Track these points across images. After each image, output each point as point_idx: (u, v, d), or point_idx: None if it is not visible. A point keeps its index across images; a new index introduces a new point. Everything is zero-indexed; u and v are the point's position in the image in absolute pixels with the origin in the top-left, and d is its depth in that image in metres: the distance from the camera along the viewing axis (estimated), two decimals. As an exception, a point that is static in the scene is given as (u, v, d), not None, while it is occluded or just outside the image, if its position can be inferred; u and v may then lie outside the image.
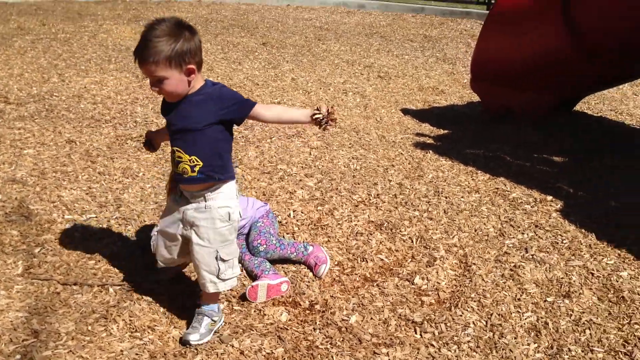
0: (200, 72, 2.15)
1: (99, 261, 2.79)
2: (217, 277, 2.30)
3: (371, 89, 6.31)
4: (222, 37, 8.85)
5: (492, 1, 12.21)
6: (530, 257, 3.04)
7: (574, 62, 4.46)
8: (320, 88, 6.22)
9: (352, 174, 4.03)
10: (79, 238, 2.97)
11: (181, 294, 2.62)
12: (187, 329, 2.35)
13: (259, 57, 7.57)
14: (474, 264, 2.97)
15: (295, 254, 2.86)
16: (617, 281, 2.85)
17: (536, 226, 3.36)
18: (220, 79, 6.34)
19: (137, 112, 5.02)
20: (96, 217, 3.19)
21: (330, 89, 6.20)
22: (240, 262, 2.78)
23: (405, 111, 5.62)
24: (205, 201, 2.24)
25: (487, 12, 11.92)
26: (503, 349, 2.38)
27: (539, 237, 3.25)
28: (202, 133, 2.16)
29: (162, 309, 2.50)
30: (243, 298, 2.60)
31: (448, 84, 6.72)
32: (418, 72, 7.19)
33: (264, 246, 2.84)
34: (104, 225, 3.11)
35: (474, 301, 2.67)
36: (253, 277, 2.74)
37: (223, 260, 2.29)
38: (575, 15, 4.33)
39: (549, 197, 3.73)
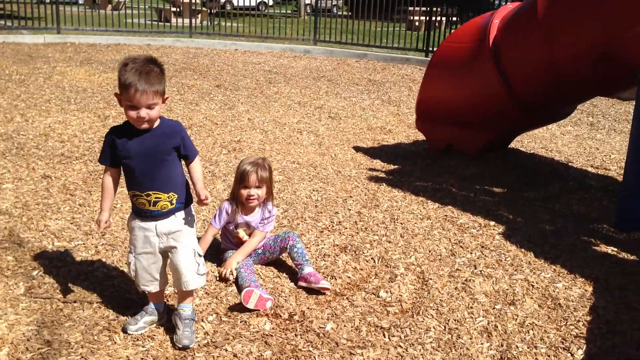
0: None
1: (93, 282, 3.03)
2: (197, 273, 2.62)
3: (324, 129, 6.74)
4: (177, 80, 9.17)
5: (430, 49, 13.05)
6: (479, 272, 3.45)
7: (507, 106, 5.01)
8: (276, 127, 6.61)
9: (315, 204, 4.39)
10: (71, 262, 3.20)
11: (172, 310, 2.87)
12: (177, 334, 2.60)
13: (214, 99, 7.92)
14: (431, 279, 3.35)
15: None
16: (554, 291, 3.29)
17: (482, 247, 3.80)
18: (180, 119, 6.63)
19: (106, 150, 5.25)
20: (84, 244, 3.42)
21: (286, 129, 6.59)
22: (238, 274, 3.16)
23: (357, 149, 6.06)
24: (175, 214, 2.56)
25: (425, 58, 12.76)
26: (461, 348, 2.75)
27: (485, 255, 3.68)
28: (171, 166, 2.50)
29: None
30: (230, 310, 2.89)
31: (394, 124, 7.23)
32: (366, 113, 7.69)
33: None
34: (92, 251, 3.35)
35: (433, 310, 3.04)
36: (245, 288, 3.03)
37: (199, 255, 2.65)
38: (503, 65, 4.91)
39: (492, 222, 4.20)
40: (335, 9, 28.27)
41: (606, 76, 4.42)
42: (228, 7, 23.11)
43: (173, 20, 17.85)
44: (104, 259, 3.26)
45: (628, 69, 4.15)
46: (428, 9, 13.62)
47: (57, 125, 5.94)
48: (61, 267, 3.13)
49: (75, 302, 2.82)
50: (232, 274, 3.16)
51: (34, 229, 3.54)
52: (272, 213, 3.37)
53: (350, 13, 16.01)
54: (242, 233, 3.33)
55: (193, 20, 15.38)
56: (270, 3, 32.64)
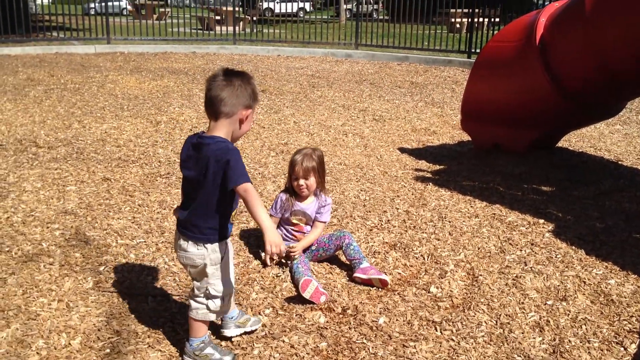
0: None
1: (155, 277, 3.18)
2: None
3: (368, 131, 6.82)
4: (223, 86, 9.37)
5: (473, 50, 12.99)
6: (530, 269, 3.48)
7: (555, 103, 5.00)
8: (322, 130, 6.72)
9: (363, 204, 4.48)
10: (134, 259, 3.36)
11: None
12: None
13: (260, 103, 8.08)
14: (481, 275, 3.40)
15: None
16: (606, 288, 3.29)
17: (532, 244, 3.82)
18: (229, 123, 6.80)
19: (160, 153, 5.45)
20: (145, 241, 3.59)
21: (331, 131, 6.70)
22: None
23: (402, 150, 6.12)
24: None
25: (468, 59, 12.71)
26: (513, 342, 2.79)
27: (535, 253, 3.70)
28: None
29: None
30: (286, 303, 3.00)
31: (439, 125, 7.26)
32: (410, 115, 7.74)
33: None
34: (154, 249, 3.51)
35: (484, 305, 3.09)
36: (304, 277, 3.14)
37: None
38: (551, 62, 4.91)
39: (541, 220, 4.21)
40: (375, 13, 28.39)
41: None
42: (268, 14, 23.43)
43: (217, 28, 18.21)
44: (164, 256, 3.41)
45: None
46: (470, 10, 13.56)
47: (113, 131, 6.18)
48: (125, 263, 3.29)
49: (140, 295, 2.97)
50: (283, 253, 2.43)
51: (99, 227, 3.73)
52: (327, 202, 3.52)
53: (389, 17, 16.03)
54: (296, 220, 3.49)
55: (236, 28, 15.67)
56: (310, 9, 32.92)
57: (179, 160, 2.56)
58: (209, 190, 2.27)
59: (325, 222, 3.55)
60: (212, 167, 2.23)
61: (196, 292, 2.42)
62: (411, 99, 8.98)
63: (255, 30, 17.13)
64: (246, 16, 20.20)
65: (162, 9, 22.22)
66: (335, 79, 10.70)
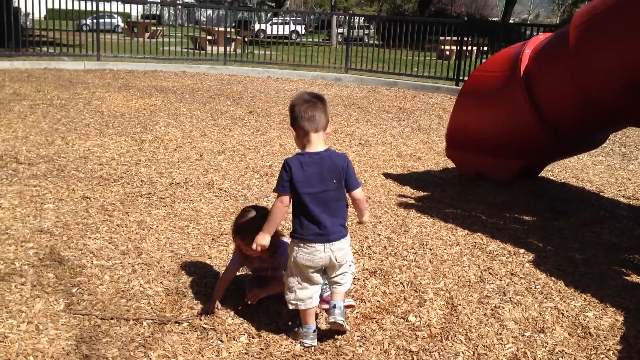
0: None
1: (130, 299, 3.12)
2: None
3: (354, 155, 6.82)
4: (211, 105, 9.38)
5: (461, 78, 13.11)
6: (509, 299, 3.46)
7: (538, 135, 5.03)
8: (308, 153, 6.70)
9: (345, 229, 4.45)
10: (109, 280, 3.31)
11: (201, 328, 2.95)
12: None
13: (247, 124, 8.08)
14: (460, 304, 3.37)
15: None
16: (584, 320, 3.28)
17: (512, 274, 3.81)
18: (214, 143, 6.79)
19: (142, 172, 5.41)
20: (121, 262, 3.54)
21: (317, 155, 6.68)
22: None
23: (387, 175, 6.11)
24: None
25: (456, 87, 12.81)
26: (489, 374, 2.76)
27: (515, 283, 3.68)
28: None
29: (190, 339, 2.84)
30: (262, 329, 2.95)
31: (424, 151, 7.28)
32: (396, 141, 7.76)
33: None
34: (129, 270, 3.45)
35: (462, 335, 3.06)
36: None
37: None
38: (535, 94, 4.94)
39: (522, 250, 4.20)
40: (366, 37, 28.61)
41: (638, 105, 4.42)
42: (261, 35, 23.54)
43: (208, 48, 18.26)
44: (140, 278, 3.36)
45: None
46: (459, 38, 13.71)
47: (96, 149, 6.14)
48: (99, 285, 3.24)
49: (112, 318, 2.92)
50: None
51: (74, 247, 3.67)
52: (282, 251, 3.13)
53: (381, 42, 16.16)
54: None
55: (227, 48, 15.72)
56: (303, 32, 33.17)
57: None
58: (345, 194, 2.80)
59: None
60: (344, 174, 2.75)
61: (347, 273, 2.89)
62: (398, 124, 9.02)
63: (247, 52, 17.19)
64: (238, 37, 20.29)
65: (154, 28, 22.27)
66: (324, 102, 10.71)
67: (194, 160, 6.01)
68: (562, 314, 3.33)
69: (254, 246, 2.77)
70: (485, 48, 14.58)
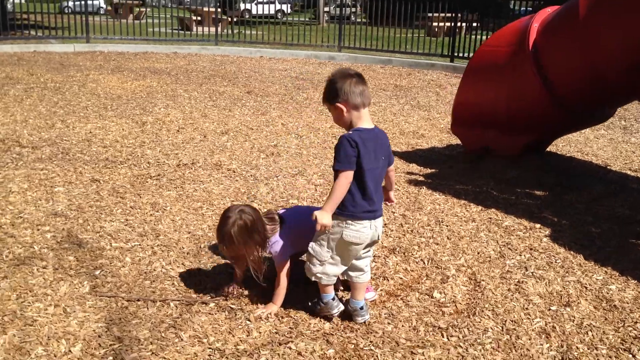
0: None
1: (153, 281, 3.09)
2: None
3: (357, 134, 6.76)
4: (207, 86, 9.27)
5: (455, 54, 13.06)
6: (531, 274, 3.46)
7: (547, 109, 5.01)
8: (311, 132, 6.66)
9: (358, 208, 4.42)
10: (130, 262, 3.26)
11: (229, 308, 2.92)
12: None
13: (246, 105, 8.00)
14: (483, 280, 3.37)
15: None
16: (608, 293, 3.29)
17: (531, 249, 3.81)
18: (216, 124, 6.72)
19: (148, 154, 5.34)
20: (140, 244, 3.49)
21: (320, 133, 6.64)
22: None
23: (393, 153, 6.07)
24: None
25: (451, 63, 12.77)
26: (521, 348, 2.76)
27: (535, 257, 3.68)
28: None
29: (219, 319, 2.81)
30: (287, 309, 2.93)
31: (427, 128, 7.25)
32: (397, 118, 7.72)
33: None
34: (149, 252, 3.41)
35: (489, 310, 3.06)
36: None
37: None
38: (544, 68, 4.92)
39: (537, 225, 4.20)
40: (353, 16, 28.41)
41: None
42: (247, 15, 23.29)
43: (194, 28, 18.04)
44: (161, 260, 3.32)
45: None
46: (452, 15, 13.64)
47: (98, 131, 6.05)
48: (121, 267, 3.19)
49: (139, 300, 2.88)
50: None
51: (91, 230, 3.62)
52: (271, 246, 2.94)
53: (368, 20, 16.00)
54: None
55: (217, 29, 15.52)
56: (288, 11, 32.87)
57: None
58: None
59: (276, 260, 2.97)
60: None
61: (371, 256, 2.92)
62: (397, 102, 8.97)
63: (234, 32, 16.99)
64: (225, 17, 20.06)
65: (138, 9, 21.95)
66: (320, 81, 10.64)
67: (198, 142, 5.93)
68: (585, 288, 3.33)
69: (318, 227, 2.59)
70: (475, 24, 14.52)
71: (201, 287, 3.09)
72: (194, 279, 3.16)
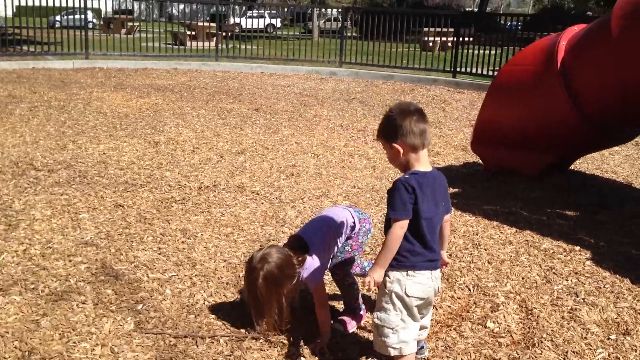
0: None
1: (198, 315, 2.95)
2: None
3: (372, 152, 6.68)
4: (213, 104, 9.16)
5: (458, 70, 13.04)
6: (582, 300, 3.36)
7: (576, 128, 4.95)
8: (327, 151, 6.55)
9: (390, 231, 4.31)
10: (170, 295, 3.12)
11: (281, 343, 2.79)
12: None
13: (257, 122, 7.89)
14: (535, 308, 3.26)
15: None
16: (662, 319, 3.20)
17: (576, 273, 3.71)
18: (231, 143, 6.60)
19: (167, 177, 5.20)
20: (177, 275, 3.35)
21: (336, 152, 6.54)
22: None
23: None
24: None
25: (453, 79, 12.75)
26: (586, 381, 2.65)
27: (582, 282, 3.59)
28: None
29: (272, 355, 2.68)
30: (340, 344, 2.80)
31: (441, 145, 7.16)
32: (410, 136, 7.61)
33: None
34: (188, 283, 3.27)
35: (547, 340, 2.95)
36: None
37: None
38: (573, 87, 4.85)
39: (577, 247, 4.11)
40: (344, 31, 28.39)
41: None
42: (237, 29, 23.16)
43: (190, 43, 17.91)
44: (202, 291, 3.18)
45: None
46: (454, 30, 13.65)
47: (112, 152, 5.91)
48: (162, 300, 3.06)
49: (186, 337, 2.74)
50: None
51: (125, 260, 3.47)
52: (302, 276, 2.77)
53: (359, 35, 15.86)
54: None
55: (212, 44, 15.42)
56: (279, 25, 32.86)
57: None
58: None
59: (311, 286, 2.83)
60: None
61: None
62: (405, 118, 8.88)
63: (232, 46, 16.88)
64: (221, 32, 19.95)
65: (130, 23, 21.78)
66: (324, 97, 10.57)
67: (215, 162, 5.81)
68: (640, 314, 3.24)
69: (369, 286, 2.35)
70: (469, 38, 14.45)
71: (248, 320, 2.95)
72: (239, 312, 3.01)
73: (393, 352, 2.40)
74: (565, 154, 5.55)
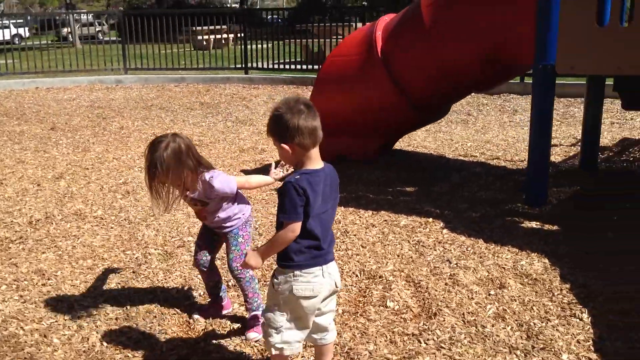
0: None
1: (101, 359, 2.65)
2: None
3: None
4: (-1, 128, 8.14)
5: (250, 66, 13.21)
6: (455, 265, 3.68)
7: (401, 111, 5.34)
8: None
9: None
10: (60, 344, 2.74)
11: None
12: None
13: (60, 143, 7.23)
14: (421, 280, 3.49)
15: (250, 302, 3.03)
16: (523, 269, 3.57)
17: (440, 242, 4.04)
18: (42, 168, 5.95)
19: None
20: (56, 320, 2.95)
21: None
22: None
23: (246, 172, 5.96)
24: None
25: (246, 75, 12.90)
26: (491, 337, 2.92)
27: (448, 250, 3.92)
28: None
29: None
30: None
31: (264, 142, 7.22)
32: (229, 136, 7.57)
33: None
34: (74, 327, 2.90)
35: (443, 307, 3.18)
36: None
37: None
38: (394, 73, 5.23)
39: (430, 219, 4.45)
40: (100, 34, 27.09)
41: (489, 75, 4.95)
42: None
43: None
44: (94, 333, 2.85)
45: (510, 68, 4.71)
46: (241, 27, 13.81)
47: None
48: (54, 352, 2.66)
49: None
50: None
51: (-13, 318, 2.96)
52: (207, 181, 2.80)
53: (120, 38, 14.81)
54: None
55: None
56: (27, 35, 30.19)
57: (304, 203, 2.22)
58: None
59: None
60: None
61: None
62: (214, 119, 8.82)
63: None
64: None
65: None
66: (120, 107, 9.99)
67: (35, 192, 5.20)
68: (504, 268, 3.64)
69: (243, 264, 2.40)
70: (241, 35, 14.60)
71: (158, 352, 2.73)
72: (148, 342, 2.77)
73: (274, 352, 2.40)
74: (395, 136, 5.96)
